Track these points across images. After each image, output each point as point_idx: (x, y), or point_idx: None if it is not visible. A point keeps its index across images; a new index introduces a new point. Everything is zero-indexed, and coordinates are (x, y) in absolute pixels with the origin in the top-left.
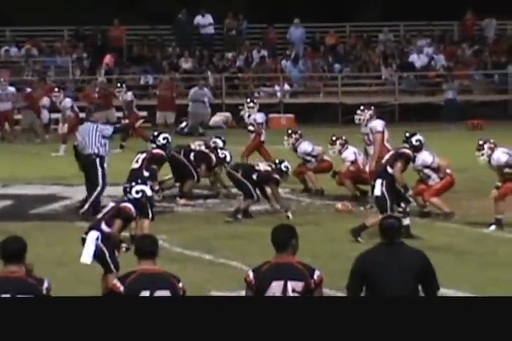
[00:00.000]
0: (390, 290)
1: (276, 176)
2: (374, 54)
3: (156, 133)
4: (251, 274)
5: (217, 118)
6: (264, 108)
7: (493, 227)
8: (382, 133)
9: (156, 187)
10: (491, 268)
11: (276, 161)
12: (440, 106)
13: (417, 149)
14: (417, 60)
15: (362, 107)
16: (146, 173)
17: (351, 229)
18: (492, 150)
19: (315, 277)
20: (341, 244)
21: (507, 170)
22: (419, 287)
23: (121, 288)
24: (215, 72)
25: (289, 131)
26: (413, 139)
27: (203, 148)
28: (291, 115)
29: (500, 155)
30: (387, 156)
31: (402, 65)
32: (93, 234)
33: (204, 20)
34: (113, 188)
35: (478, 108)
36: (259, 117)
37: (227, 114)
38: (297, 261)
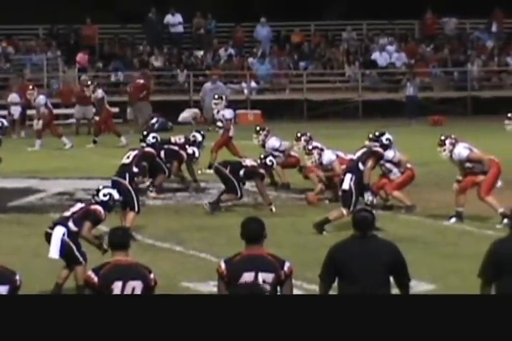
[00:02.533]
0: (362, 281)
1: (262, 171)
2: (338, 52)
3: (145, 133)
4: (223, 265)
5: (186, 114)
6: (231, 104)
7: (453, 220)
8: None
9: (147, 183)
10: (451, 259)
11: (261, 156)
12: (402, 103)
13: (386, 148)
14: (380, 57)
15: None
16: (135, 169)
17: (315, 223)
18: (453, 145)
19: (285, 268)
20: (307, 236)
21: (468, 164)
22: (391, 278)
23: (95, 279)
24: (185, 69)
25: (258, 128)
26: (383, 138)
27: (182, 141)
28: (257, 111)
29: (461, 150)
30: (359, 153)
31: (365, 62)
32: (59, 230)
33: (174, 20)
34: (87, 182)
35: (439, 104)
36: (228, 113)
37: (196, 110)
38: (268, 252)
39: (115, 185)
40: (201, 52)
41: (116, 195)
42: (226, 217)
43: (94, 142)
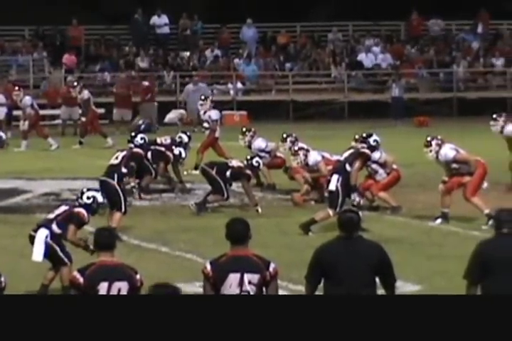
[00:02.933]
0: (348, 282)
1: (248, 172)
2: (324, 53)
3: (133, 134)
4: (208, 266)
5: (172, 115)
6: (217, 105)
7: (439, 220)
8: None
9: (132, 183)
10: (437, 259)
11: (248, 157)
12: (387, 104)
13: (374, 149)
14: (365, 58)
15: None
16: (124, 170)
17: (301, 224)
18: (439, 146)
19: (270, 269)
20: (292, 237)
21: (454, 165)
22: (377, 279)
23: (81, 280)
24: (171, 70)
25: (244, 130)
26: (371, 140)
27: (168, 142)
28: (243, 112)
29: (447, 151)
30: (346, 154)
31: (350, 63)
32: (42, 232)
33: (160, 21)
34: (73, 182)
35: (424, 105)
36: (214, 114)
37: (182, 111)
38: (253, 253)
39: (103, 185)
40: (187, 53)
41: (100, 198)
42: (212, 218)
43: (80, 143)
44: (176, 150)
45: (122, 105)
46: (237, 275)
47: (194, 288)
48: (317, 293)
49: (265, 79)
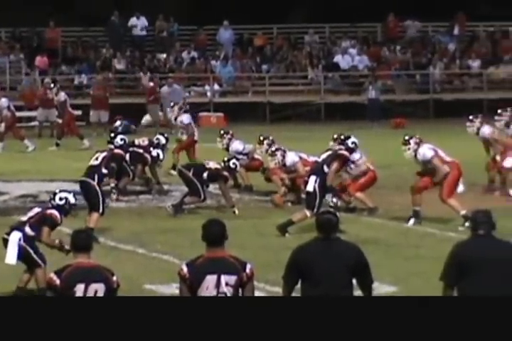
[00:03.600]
0: (325, 283)
1: (225, 173)
2: (300, 55)
3: (112, 135)
4: (185, 268)
5: (149, 117)
6: (194, 107)
7: (412, 221)
8: None
9: (112, 184)
10: (413, 261)
11: (225, 159)
12: (364, 105)
13: (352, 151)
14: (342, 60)
15: None
16: (104, 170)
17: (278, 225)
18: (418, 145)
19: (247, 271)
20: (269, 238)
21: (431, 165)
22: (354, 280)
23: (57, 282)
24: (147, 72)
25: (222, 132)
26: (349, 141)
27: (146, 143)
28: (220, 114)
29: (426, 151)
30: (324, 155)
31: (327, 65)
32: (15, 235)
33: (137, 23)
34: (51, 184)
35: (401, 107)
36: (185, 118)
37: (159, 113)
38: (230, 255)
39: (83, 185)
40: (164, 55)
41: (72, 199)
42: (189, 219)
43: (57, 145)
44: (154, 152)
45: (99, 107)
46: (214, 277)
47: (171, 289)
48: (294, 293)
49: (242, 81)
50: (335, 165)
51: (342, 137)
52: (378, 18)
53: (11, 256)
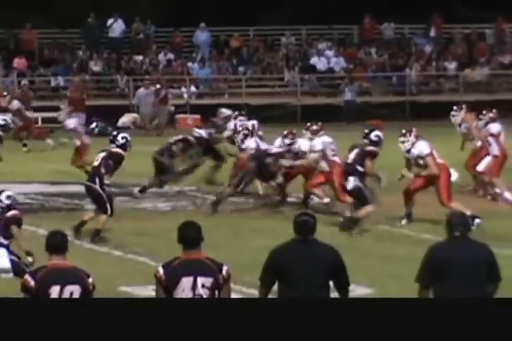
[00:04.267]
0: (302, 285)
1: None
2: (277, 57)
3: (115, 133)
4: (161, 270)
5: (126, 119)
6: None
7: (403, 222)
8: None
9: (107, 181)
10: (389, 263)
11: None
12: (340, 107)
13: (376, 144)
14: (318, 62)
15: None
16: (103, 170)
17: (341, 226)
18: (417, 138)
19: (223, 272)
20: (245, 240)
21: (422, 161)
22: (331, 282)
23: (32, 283)
24: (124, 74)
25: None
26: (372, 135)
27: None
28: (197, 115)
29: (424, 146)
30: (352, 155)
31: (303, 67)
32: (2, 252)
33: (114, 24)
34: (26, 186)
35: (377, 109)
36: (71, 123)
37: (135, 115)
38: (206, 256)
39: (87, 189)
40: (140, 57)
41: (15, 196)
42: (165, 221)
43: (24, 145)
44: None
45: (76, 109)
46: (190, 279)
47: (147, 291)
48: (271, 295)
49: (218, 83)
50: (368, 164)
51: (366, 131)
52: (355, 20)
53: (6, 272)
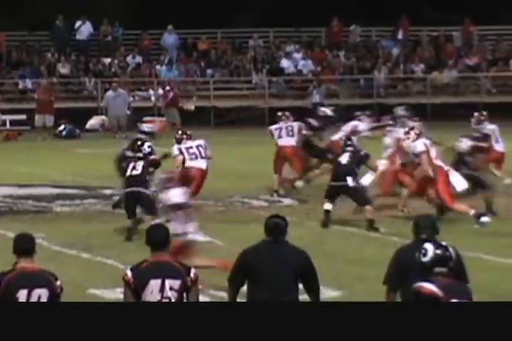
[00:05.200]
0: (271, 286)
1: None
2: (245, 59)
3: (139, 143)
4: (129, 273)
5: (94, 121)
6: (139, 111)
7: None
8: None
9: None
10: (357, 265)
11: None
12: (308, 110)
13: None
14: (286, 65)
15: None
16: (147, 177)
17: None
18: (418, 136)
19: (191, 275)
20: (213, 242)
21: (418, 160)
22: (301, 285)
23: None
24: (92, 76)
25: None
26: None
27: None
28: (164, 118)
29: (418, 144)
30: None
31: (271, 69)
32: None
33: (82, 27)
34: None
35: (345, 111)
36: None
37: (103, 117)
38: (174, 259)
39: (136, 195)
40: (108, 60)
41: None
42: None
43: None
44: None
45: (44, 111)
46: (158, 282)
47: (115, 294)
48: (239, 297)
49: (186, 86)
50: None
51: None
52: (322, 22)
53: None
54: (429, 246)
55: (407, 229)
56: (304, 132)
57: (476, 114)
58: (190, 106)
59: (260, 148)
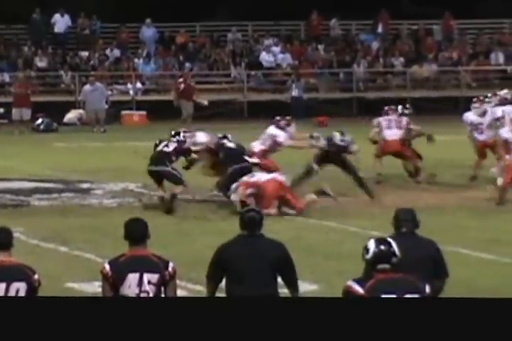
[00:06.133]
0: (249, 281)
1: None
2: (223, 53)
3: (173, 132)
4: (107, 266)
5: (72, 115)
6: (117, 105)
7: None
8: None
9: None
10: (334, 259)
11: None
12: (287, 104)
13: None
14: (265, 58)
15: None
16: (173, 157)
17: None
18: None
19: (169, 269)
20: (192, 237)
21: None
22: (279, 278)
23: None
24: (70, 70)
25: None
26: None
27: None
28: (143, 112)
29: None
30: None
31: (250, 63)
32: None
33: (60, 20)
34: None
35: (324, 105)
36: None
37: (81, 111)
38: (152, 253)
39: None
40: (86, 53)
41: None
42: (111, 218)
43: None
44: None
45: (21, 104)
46: (136, 275)
47: (93, 287)
48: (218, 292)
49: (164, 79)
50: None
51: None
52: (302, 16)
53: None
54: (371, 243)
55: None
56: (412, 127)
57: None
58: (204, 100)
59: (239, 141)
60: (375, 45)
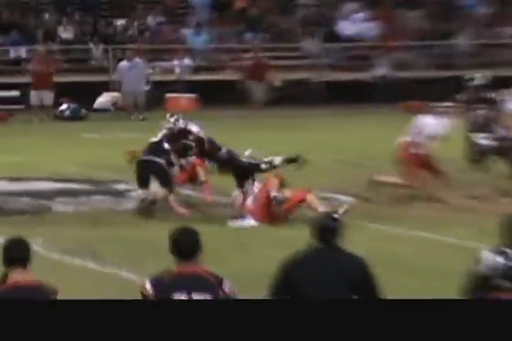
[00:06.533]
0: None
1: None
2: (293, 21)
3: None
4: (148, 286)
5: (104, 99)
6: (159, 86)
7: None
8: None
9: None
10: (428, 275)
11: None
12: (370, 84)
13: None
14: (344, 28)
15: None
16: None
17: None
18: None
19: (225, 288)
20: (253, 249)
21: None
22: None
23: None
24: (101, 42)
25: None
26: None
27: None
28: (192, 95)
29: None
30: None
31: (325, 34)
32: None
33: None
34: None
35: (417, 86)
36: None
37: (116, 94)
38: (204, 269)
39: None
40: (122, 21)
41: None
42: (152, 226)
43: None
44: None
45: (41, 86)
46: (183, 296)
47: None
48: None
49: (219, 54)
50: None
51: None
52: None
53: None
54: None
55: None
56: None
57: None
58: (277, 81)
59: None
60: (480, 11)
